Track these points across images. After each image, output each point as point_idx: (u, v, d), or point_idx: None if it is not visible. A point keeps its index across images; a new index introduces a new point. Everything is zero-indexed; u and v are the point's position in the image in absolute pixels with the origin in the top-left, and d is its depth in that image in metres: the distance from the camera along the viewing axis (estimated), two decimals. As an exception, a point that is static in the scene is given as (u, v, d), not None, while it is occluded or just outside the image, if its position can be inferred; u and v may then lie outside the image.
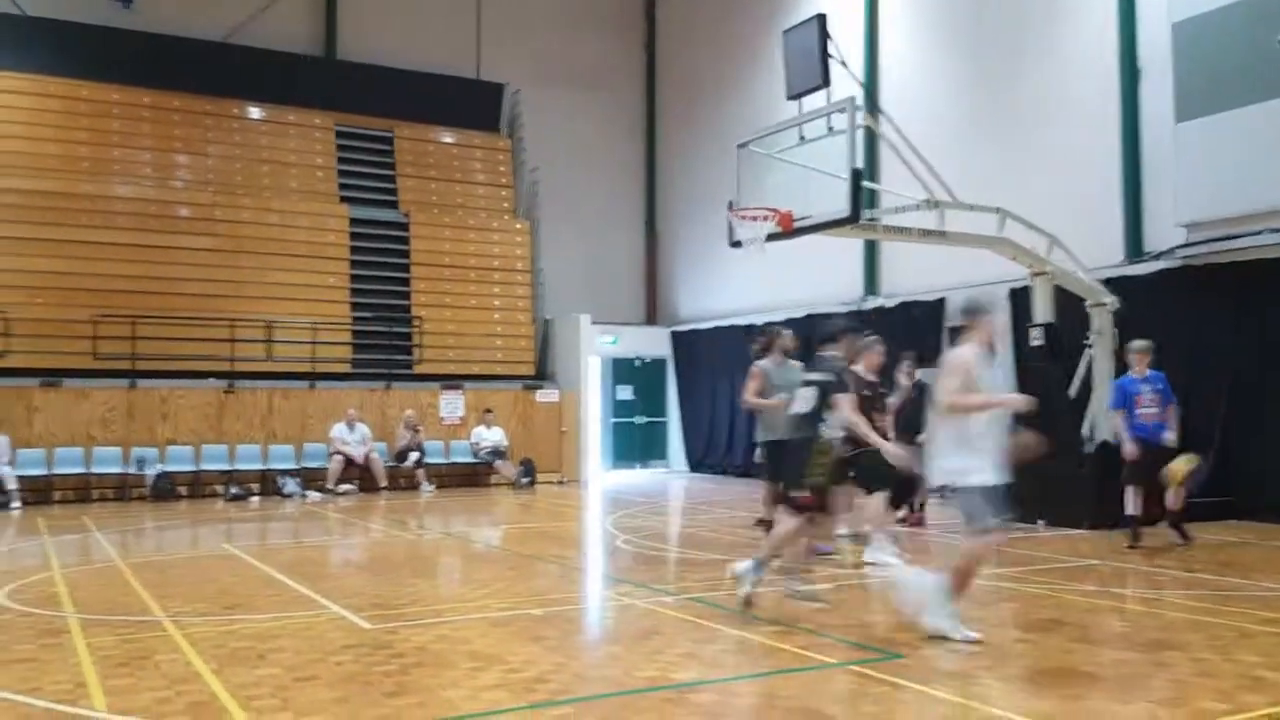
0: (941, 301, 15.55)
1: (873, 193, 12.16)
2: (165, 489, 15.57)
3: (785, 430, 7.61)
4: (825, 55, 11.04)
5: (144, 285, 17.16)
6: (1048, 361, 11.95)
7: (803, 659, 5.57)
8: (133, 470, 15.68)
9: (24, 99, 18.07)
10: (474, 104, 21.92)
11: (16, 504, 14.39)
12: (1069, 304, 12.18)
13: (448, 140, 21.71)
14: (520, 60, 22.13)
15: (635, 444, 22.34)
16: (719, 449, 20.59)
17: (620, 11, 23.73)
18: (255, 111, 19.98)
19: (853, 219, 10.45)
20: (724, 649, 5.89)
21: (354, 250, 19.58)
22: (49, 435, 15.45)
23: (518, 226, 21.42)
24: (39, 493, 15.02)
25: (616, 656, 5.66)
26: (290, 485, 16.33)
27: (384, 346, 19.09)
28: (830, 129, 10.92)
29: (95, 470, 15.56)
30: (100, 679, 5.19)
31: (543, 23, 22.47)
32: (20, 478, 14.68)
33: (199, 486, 16.11)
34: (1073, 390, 11.93)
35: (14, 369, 15.58)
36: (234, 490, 15.91)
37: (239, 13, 19.79)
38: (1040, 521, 11.33)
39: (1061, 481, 11.18)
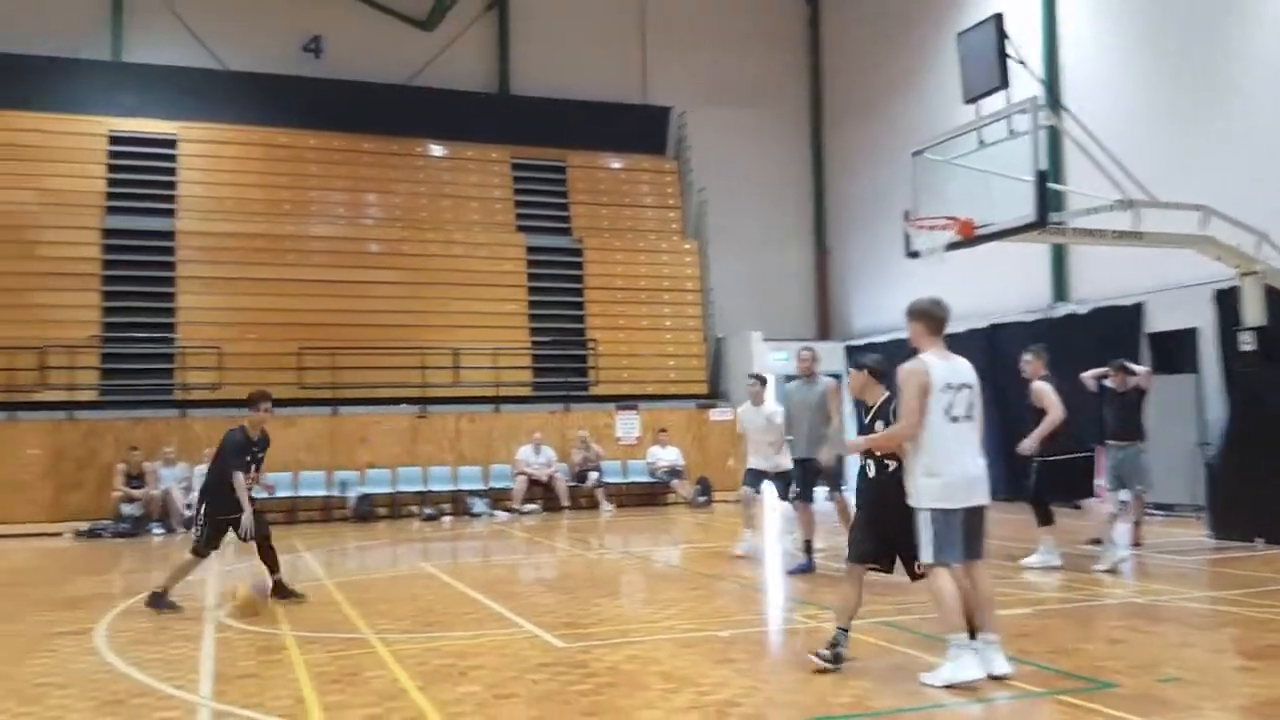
0: (1139, 307, 14.71)
1: (1059, 195, 11.64)
2: (366, 510, 16.46)
3: None
4: (1003, 55, 10.65)
5: (341, 318, 18.23)
6: (1261, 367, 11.08)
7: (1006, 687, 5.34)
8: (336, 493, 16.65)
9: (229, 148, 19.58)
10: (641, 128, 22.28)
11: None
12: (1283, 304, 11.28)
13: (616, 166, 22.15)
14: (685, 82, 22.35)
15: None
16: (900, 465, 20.00)
17: (783, 25, 23.64)
18: (437, 149, 20.97)
19: (1039, 224, 10.02)
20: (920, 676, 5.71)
21: (530, 277, 20.23)
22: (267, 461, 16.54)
23: (686, 246, 21.60)
24: (252, 515, 16.10)
25: (809, 681, 5.58)
26: (479, 505, 16.94)
27: (561, 369, 19.58)
28: (1011, 131, 10.53)
29: (302, 493, 16.59)
30: (317, 695, 5.50)
31: (706, 43, 22.63)
32: (236, 501, 15.78)
33: (396, 508, 16.93)
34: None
35: (228, 400, 16.76)
36: (428, 511, 16.65)
37: (420, 57, 20.81)
38: (1259, 540, 10.51)
39: (1282, 496, 10.35)
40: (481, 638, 6.95)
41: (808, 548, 9.72)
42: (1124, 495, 11.20)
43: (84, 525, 14.96)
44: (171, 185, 18.92)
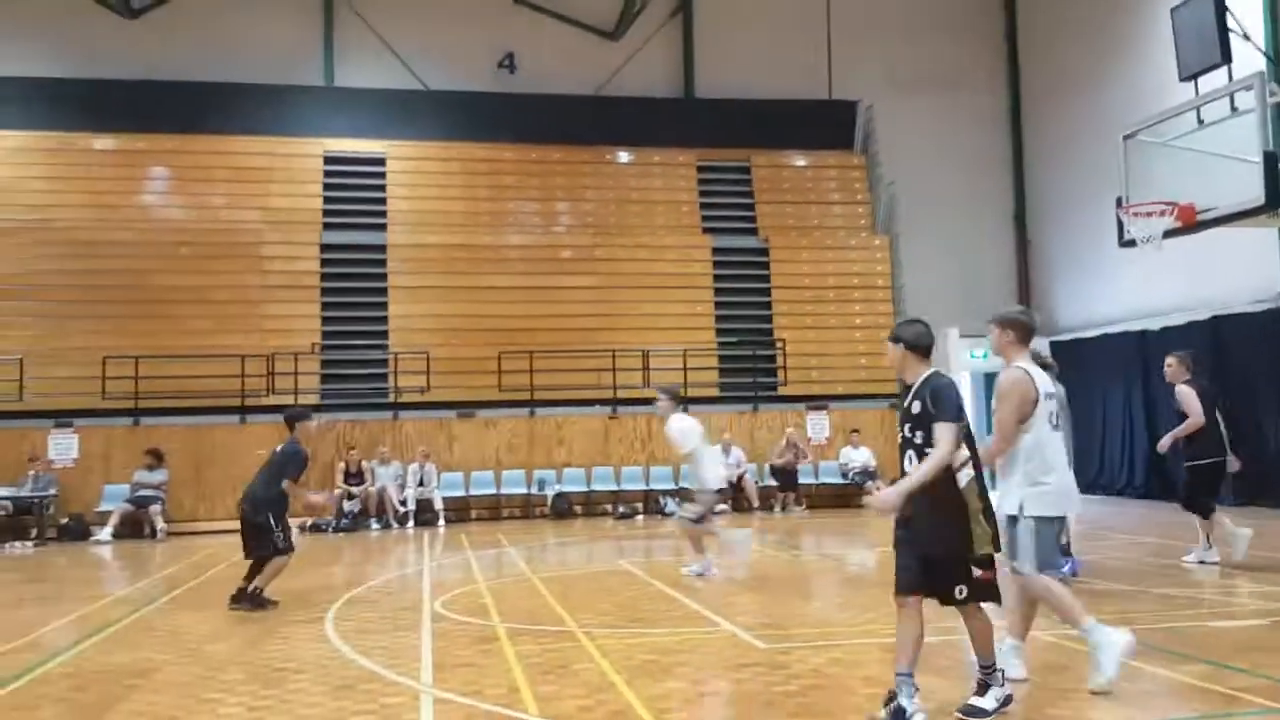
0: (1386, 292, 13.38)
1: (1291, 175, 10.72)
2: (563, 508, 17.00)
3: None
4: (1224, 29, 9.96)
5: (537, 323, 18.89)
6: None
7: (1238, 702, 4.99)
8: (535, 491, 17.27)
9: (431, 164, 20.64)
10: (827, 124, 22.00)
11: (442, 522, 16.32)
12: None
13: (801, 163, 21.94)
14: (872, 74, 21.91)
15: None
16: (1113, 468, 18.93)
17: (975, 8, 22.81)
18: (624, 156, 21.39)
19: (1270, 206, 9.30)
20: (1146, 689, 5.41)
21: (717, 278, 20.34)
22: (465, 460, 17.37)
23: (876, 243, 21.15)
24: (459, 512, 16.92)
25: (1025, 691, 5.38)
26: (671, 505, 17.14)
27: (749, 370, 19.56)
28: (1234, 109, 9.83)
29: (504, 491, 17.29)
30: (529, 685, 5.74)
31: (893, 32, 22.11)
32: (444, 499, 16.63)
33: (591, 505, 17.39)
34: None
35: (435, 402, 17.69)
36: (621, 509, 17.02)
37: (607, 66, 21.30)
38: None
39: None
40: (682, 635, 7.05)
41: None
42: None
43: (308, 521, 16.09)
44: (381, 201, 20.13)
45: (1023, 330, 5.66)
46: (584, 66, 21.17)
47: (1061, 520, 5.70)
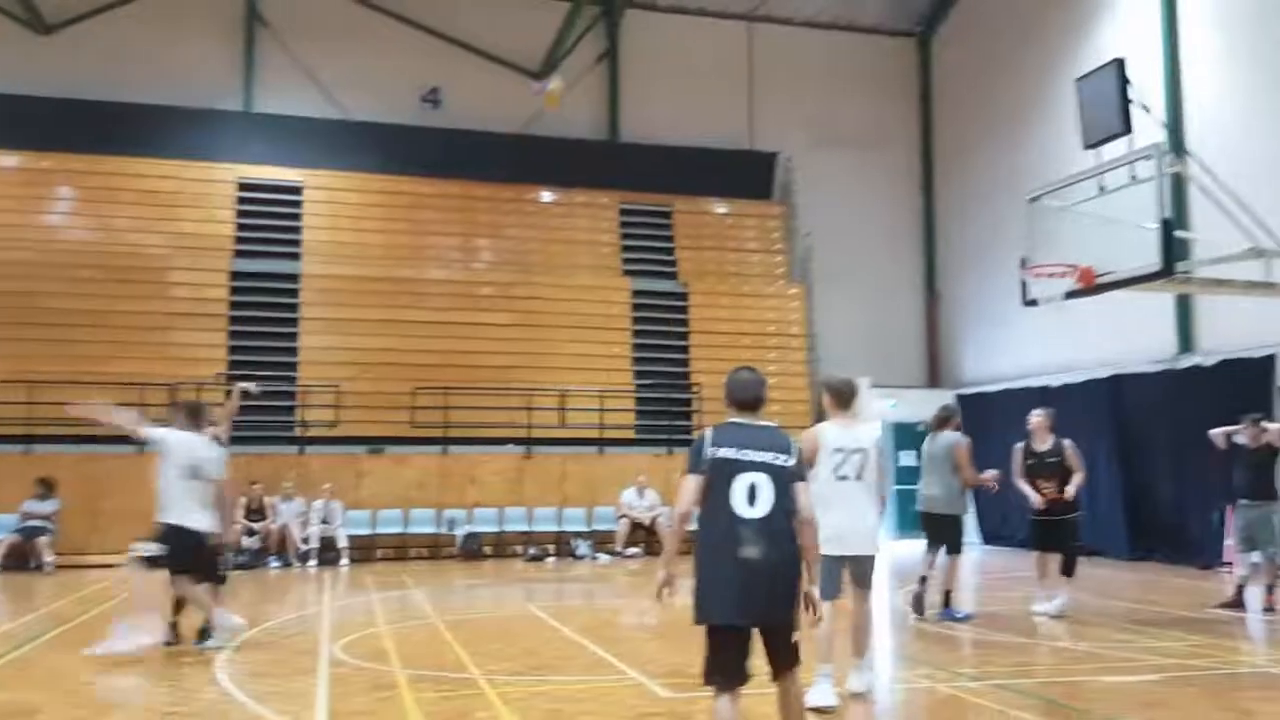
0: (1270, 359, 14.05)
1: (1185, 242, 11.24)
2: (473, 549, 16.73)
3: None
4: (1125, 100, 10.41)
5: (453, 359, 18.69)
6: None
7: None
8: (444, 531, 16.97)
9: (351, 195, 20.38)
10: (748, 173, 22.37)
11: (345, 561, 15.92)
12: None
13: (722, 210, 22.26)
14: (792, 126, 22.40)
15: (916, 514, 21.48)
16: (1013, 519, 19.39)
17: (893, 69, 23.52)
18: (548, 195, 21.42)
19: (1164, 273, 9.69)
20: (1041, 742, 5.51)
21: (636, 321, 20.42)
22: (373, 498, 17.01)
23: (792, 292, 21.52)
24: (364, 550, 16.53)
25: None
26: (582, 547, 17.03)
27: (665, 413, 19.63)
28: (1134, 177, 10.24)
29: (412, 530, 16.95)
30: (430, 733, 5.59)
31: (814, 88, 22.65)
32: (349, 537, 16.23)
33: (502, 547, 17.16)
34: None
35: (345, 437, 17.33)
36: (532, 551, 16.83)
37: (533, 106, 21.32)
38: None
39: None
40: (587, 683, 6.97)
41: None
42: (1255, 557, 10.66)
43: (206, 556, 15.53)
44: (297, 230, 19.75)
45: (834, 394, 6.70)
46: (509, 105, 21.19)
47: (837, 559, 6.37)
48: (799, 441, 5.34)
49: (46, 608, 11.12)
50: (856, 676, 6.54)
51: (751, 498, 4.60)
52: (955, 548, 10.12)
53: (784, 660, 4.70)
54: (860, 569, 6.57)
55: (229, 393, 9.55)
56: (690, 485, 4.72)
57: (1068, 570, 10.14)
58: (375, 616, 10.37)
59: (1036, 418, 10.41)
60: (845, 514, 6.31)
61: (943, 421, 10.23)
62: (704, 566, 4.74)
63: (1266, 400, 13.75)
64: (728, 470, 4.63)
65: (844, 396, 6.62)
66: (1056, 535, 10.19)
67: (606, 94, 22.16)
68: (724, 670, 4.62)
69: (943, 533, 10.09)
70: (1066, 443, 10.27)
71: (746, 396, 4.88)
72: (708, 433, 4.79)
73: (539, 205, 21.42)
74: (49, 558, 14.83)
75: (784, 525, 4.61)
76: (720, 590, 4.64)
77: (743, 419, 4.85)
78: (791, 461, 4.68)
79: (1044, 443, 10.28)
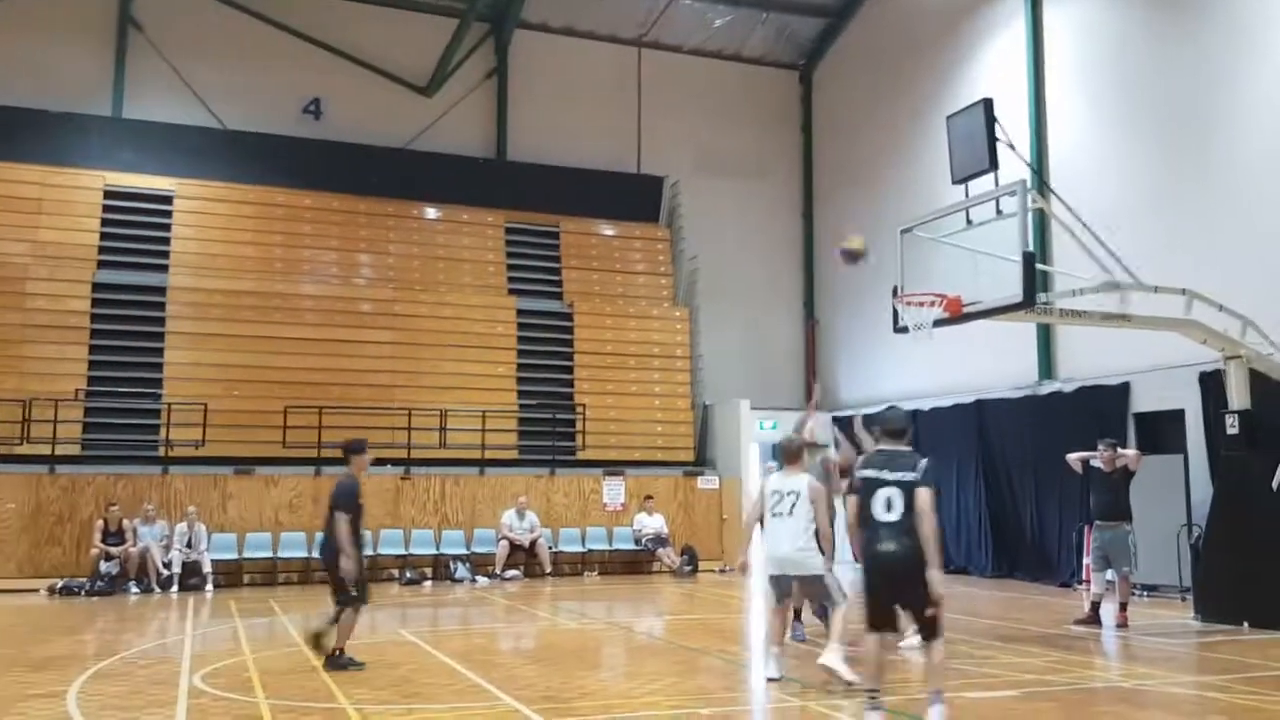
0: (1125, 386, 14.82)
1: (1046, 275, 11.78)
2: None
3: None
4: (993, 139, 10.86)
5: (330, 377, 18.20)
6: (1246, 451, 11.14)
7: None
8: (315, 555, 16.38)
9: (224, 205, 19.68)
10: (635, 197, 22.54)
11: (210, 586, 15.28)
12: (1269, 389, 11.38)
13: (609, 232, 22.36)
14: (679, 152, 22.69)
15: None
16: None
17: (776, 100, 24.07)
18: (432, 212, 21.13)
19: (1027, 304, 10.13)
20: (905, 760, 5.64)
21: (521, 340, 20.28)
22: (241, 521, 16.39)
23: (677, 314, 21.73)
24: (230, 575, 15.92)
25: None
26: (461, 570, 16.76)
27: (549, 433, 19.53)
28: (999, 212, 10.69)
29: (282, 554, 16.38)
30: (292, 767, 5.38)
31: (701, 115, 23.01)
32: (214, 561, 15.60)
33: (376, 570, 16.69)
34: (1276, 482, 11.06)
35: (211, 457, 16.68)
36: (409, 575, 16.47)
37: (418, 121, 21.08)
38: (1245, 623, 10.48)
39: (1267, 580, 10.36)
40: (460, 711, 6.83)
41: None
42: (1110, 575, 11.20)
43: (59, 582, 14.73)
44: (166, 241, 18.94)
45: (784, 453, 8.26)
46: (394, 119, 20.88)
47: (775, 579, 8.00)
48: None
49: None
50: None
51: (888, 507, 6.07)
52: None
53: (923, 633, 6.19)
54: (806, 586, 8.07)
55: None
56: (851, 501, 6.44)
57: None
58: (240, 645, 9.97)
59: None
60: (778, 542, 7.83)
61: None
62: (863, 558, 6.38)
63: (1122, 426, 14.50)
64: (871, 486, 6.17)
65: (787, 453, 8.15)
66: None
67: (494, 111, 22.03)
68: (874, 623, 6.22)
69: None
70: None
71: (892, 429, 6.45)
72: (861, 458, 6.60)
73: (423, 221, 21.11)
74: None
75: (911, 526, 5.98)
76: (869, 576, 6.22)
77: (887, 445, 6.39)
78: (916, 476, 6.05)
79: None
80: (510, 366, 20.00)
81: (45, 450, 15.86)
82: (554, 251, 21.82)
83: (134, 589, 14.95)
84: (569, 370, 20.50)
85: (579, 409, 19.79)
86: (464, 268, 20.83)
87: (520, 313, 20.50)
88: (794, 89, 24.25)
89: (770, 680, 7.75)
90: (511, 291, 20.91)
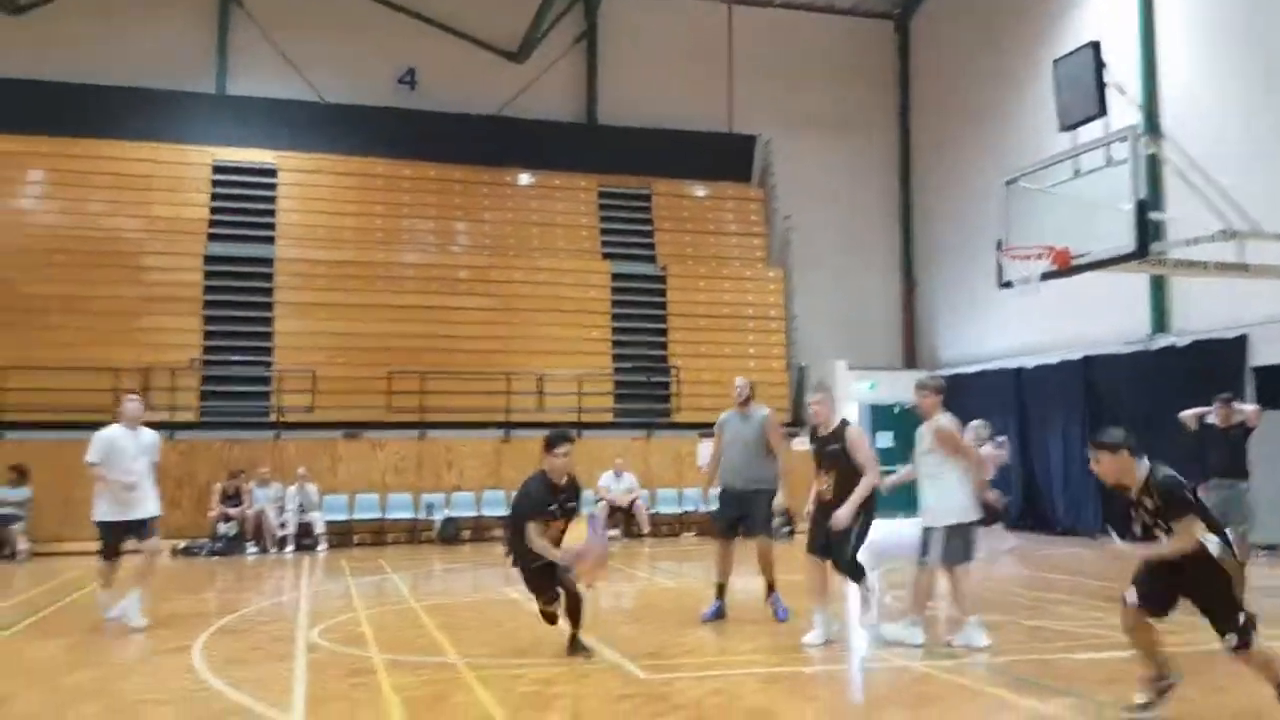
0: (1242, 339, 14.18)
1: (1159, 224, 11.29)
2: (450, 533, 16.68)
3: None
4: (1101, 83, 10.44)
5: (430, 343, 18.59)
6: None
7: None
8: (422, 515, 16.92)
9: (326, 177, 20.19)
10: (727, 156, 22.33)
11: (323, 546, 15.86)
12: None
13: (701, 194, 22.22)
14: (772, 110, 22.36)
15: (898, 493, 21.60)
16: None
17: (872, 54, 23.50)
18: (525, 178, 21.31)
19: (1139, 254, 9.76)
20: (1014, 720, 5.56)
21: (614, 304, 20.39)
22: (350, 483, 16.94)
23: (771, 274, 21.53)
24: (341, 536, 16.47)
25: (896, 721, 5.48)
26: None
27: (643, 396, 19.63)
28: (1109, 159, 10.29)
29: (389, 515, 16.90)
30: (409, 719, 5.57)
31: (794, 71, 22.62)
32: (326, 522, 16.17)
33: (480, 531, 17.13)
34: None
35: (320, 423, 17.24)
36: (510, 535, 16.79)
37: (510, 88, 21.22)
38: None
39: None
40: (565, 666, 6.97)
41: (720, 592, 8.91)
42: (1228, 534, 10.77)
43: (181, 543, 15.45)
44: (271, 213, 19.57)
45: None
46: (486, 86, 21.05)
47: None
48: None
49: (20, 596, 11.02)
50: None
51: None
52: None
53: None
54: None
55: None
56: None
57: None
58: (352, 601, 10.33)
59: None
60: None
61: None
62: None
63: (1238, 380, 13.88)
64: None
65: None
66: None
67: (584, 75, 22.04)
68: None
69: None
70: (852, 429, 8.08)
71: None
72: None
73: (516, 188, 21.31)
74: (22, 545, 14.70)
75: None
76: None
77: None
78: None
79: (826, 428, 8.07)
80: (605, 330, 20.13)
81: (164, 417, 16.58)
82: (646, 214, 21.81)
83: (251, 549, 15.60)
84: (663, 333, 20.54)
85: (673, 371, 19.83)
86: (558, 233, 20.98)
87: (614, 276, 20.60)
88: (889, 39, 23.64)
89: (916, 647, 7.31)
90: (605, 255, 21.00)
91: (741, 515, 8.95)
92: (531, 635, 8.20)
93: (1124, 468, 5.32)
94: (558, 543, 6.93)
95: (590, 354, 19.65)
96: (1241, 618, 5.09)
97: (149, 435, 9.21)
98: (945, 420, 7.68)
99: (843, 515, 7.70)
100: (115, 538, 8.86)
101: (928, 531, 7.69)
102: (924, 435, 7.79)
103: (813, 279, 21.62)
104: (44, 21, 19.19)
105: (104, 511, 8.81)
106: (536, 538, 6.88)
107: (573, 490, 7.27)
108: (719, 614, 8.81)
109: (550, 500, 7.05)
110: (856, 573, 8.06)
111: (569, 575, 6.98)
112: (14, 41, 18.92)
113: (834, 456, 7.88)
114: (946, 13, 22.22)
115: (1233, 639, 5.11)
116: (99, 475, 8.83)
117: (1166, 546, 5.24)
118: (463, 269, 20.03)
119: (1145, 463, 5.34)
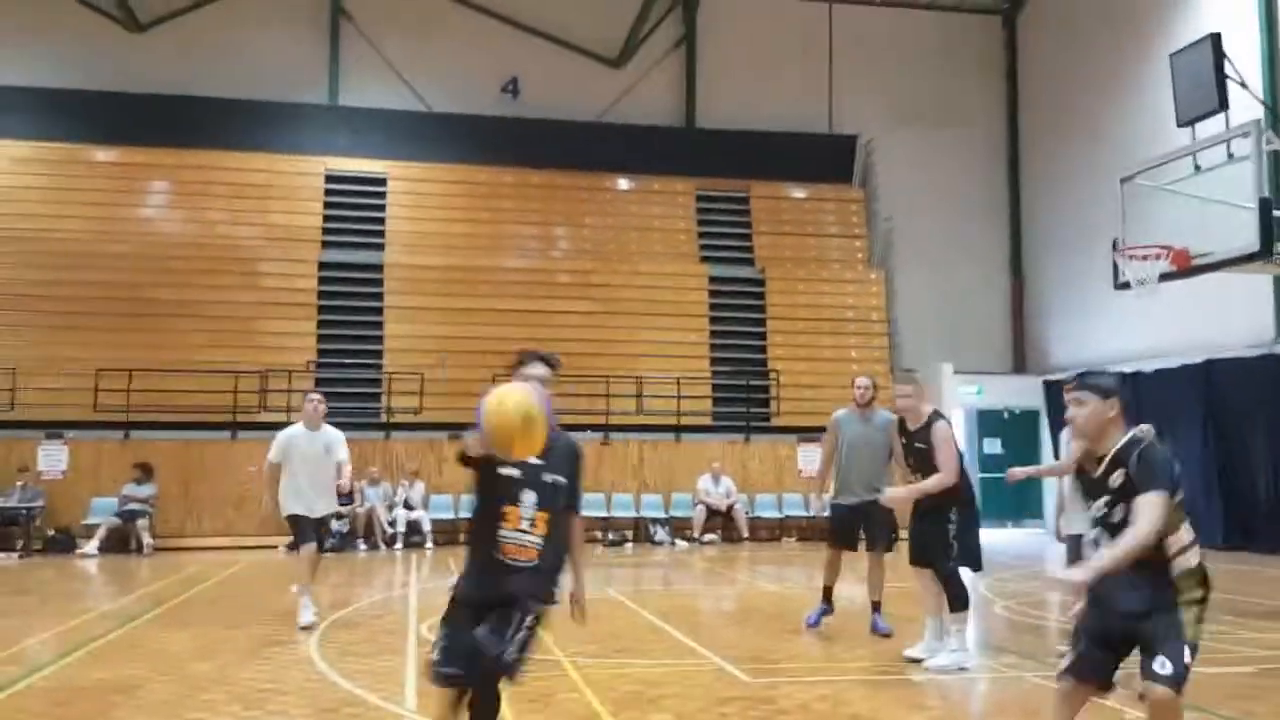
0: (1378, 341, 13.45)
1: (1285, 223, 10.81)
2: (551, 534, 16.86)
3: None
4: (1222, 76, 10.06)
5: (532, 346, 18.76)
6: None
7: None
8: (524, 516, 17.13)
9: (432, 185, 20.71)
10: (826, 157, 22.13)
11: (429, 544, 16.23)
12: None
13: (800, 195, 22.06)
14: (872, 107, 22.07)
15: (1006, 501, 21.10)
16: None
17: (977, 47, 23.01)
18: (624, 183, 21.48)
19: (1263, 253, 9.36)
20: (1132, 734, 5.39)
21: (713, 307, 20.40)
22: (456, 483, 17.26)
23: (872, 276, 21.24)
24: (447, 534, 16.83)
25: None
26: (660, 533, 17.11)
27: (742, 400, 19.57)
28: (1231, 155, 9.91)
29: (492, 515, 17.15)
30: (514, 714, 5.68)
31: (895, 67, 22.29)
32: (433, 520, 16.55)
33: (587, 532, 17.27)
34: None
35: (427, 424, 17.65)
36: (611, 536, 16.95)
37: (610, 94, 21.43)
38: None
39: None
40: (669, 666, 7.01)
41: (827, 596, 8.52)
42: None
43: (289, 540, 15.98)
44: (381, 221, 20.16)
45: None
46: (587, 93, 21.30)
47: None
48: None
49: (146, 588, 11.57)
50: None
51: None
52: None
53: None
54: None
55: None
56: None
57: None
58: (459, 599, 10.54)
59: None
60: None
61: None
62: None
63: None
64: None
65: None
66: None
67: (683, 79, 22.11)
68: None
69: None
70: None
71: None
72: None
73: (616, 193, 21.50)
74: (148, 540, 15.41)
75: None
76: None
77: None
78: None
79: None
80: (703, 334, 20.15)
81: (281, 418, 17.16)
82: (745, 217, 21.76)
83: (362, 546, 16.06)
84: (762, 336, 20.45)
85: (773, 374, 19.72)
86: (656, 237, 21.09)
87: (712, 280, 20.60)
88: (996, 34, 23.11)
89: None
90: (703, 259, 21.03)
91: (864, 525, 8.31)
92: (635, 635, 8.27)
93: (1107, 423, 3.91)
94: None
95: (689, 357, 19.68)
96: (1187, 651, 3.74)
97: (331, 434, 9.06)
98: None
99: (896, 493, 7.16)
100: (304, 530, 8.80)
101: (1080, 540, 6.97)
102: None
103: (916, 281, 21.25)
104: (164, 38, 20.16)
105: (289, 505, 8.79)
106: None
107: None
108: (825, 615, 8.50)
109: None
110: (956, 590, 7.05)
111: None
112: (138, 57, 19.92)
113: (922, 455, 6.98)
114: (1056, 6, 21.62)
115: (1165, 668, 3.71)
116: (274, 474, 8.81)
117: (1124, 540, 3.72)
118: (563, 273, 20.30)
119: (1127, 427, 3.96)
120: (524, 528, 4.05)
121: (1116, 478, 3.86)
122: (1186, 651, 3.73)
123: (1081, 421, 3.93)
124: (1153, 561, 3.78)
